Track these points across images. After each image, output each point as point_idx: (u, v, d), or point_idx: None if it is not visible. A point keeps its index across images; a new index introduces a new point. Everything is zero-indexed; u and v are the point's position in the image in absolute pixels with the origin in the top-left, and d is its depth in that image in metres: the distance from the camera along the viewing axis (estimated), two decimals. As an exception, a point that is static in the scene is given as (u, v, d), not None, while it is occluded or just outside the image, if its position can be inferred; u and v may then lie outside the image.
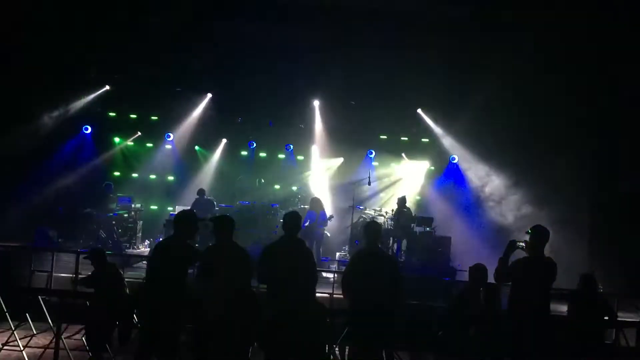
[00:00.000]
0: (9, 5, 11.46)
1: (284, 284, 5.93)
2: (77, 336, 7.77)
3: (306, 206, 13.41)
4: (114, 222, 12.91)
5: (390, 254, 6.82)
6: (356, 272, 6.27)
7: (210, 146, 15.66)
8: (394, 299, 6.22)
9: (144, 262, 9.54)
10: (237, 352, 5.97)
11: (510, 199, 13.72)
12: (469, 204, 14.55)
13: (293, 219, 6.24)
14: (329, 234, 13.35)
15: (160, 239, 11.79)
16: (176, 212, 13.21)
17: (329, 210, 14.09)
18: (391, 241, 12.52)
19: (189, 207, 13.34)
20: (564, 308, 7.70)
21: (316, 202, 12.76)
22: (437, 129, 15.04)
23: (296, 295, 5.93)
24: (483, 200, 14.29)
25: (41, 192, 13.44)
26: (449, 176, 15.12)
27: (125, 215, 13.33)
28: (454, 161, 15.07)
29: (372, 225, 6.64)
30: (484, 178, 14.37)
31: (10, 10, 11.47)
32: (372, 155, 15.47)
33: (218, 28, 12.75)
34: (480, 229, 13.94)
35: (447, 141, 14.99)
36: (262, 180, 14.19)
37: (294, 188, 14.16)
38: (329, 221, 13.04)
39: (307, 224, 12.15)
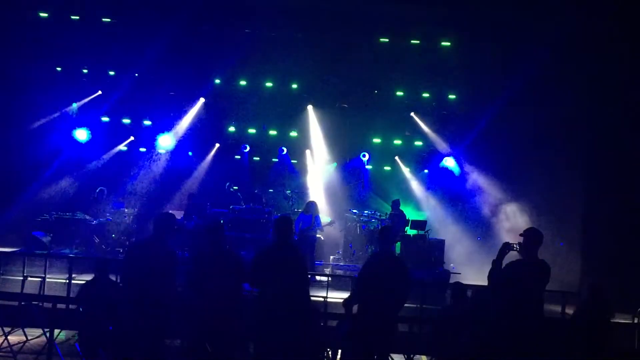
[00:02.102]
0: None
1: (274, 289, 5.90)
2: (71, 342, 7.74)
3: (298, 210, 13.40)
4: (107, 228, 12.85)
5: (403, 260, 6.79)
6: (370, 277, 6.24)
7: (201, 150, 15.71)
8: (400, 305, 6.24)
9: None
10: (227, 355, 5.97)
11: (504, 200, 13.78)
12: (462, 208, 14.57)
13: (284, 224, 6.20)
14: (322, 238, 13.34)
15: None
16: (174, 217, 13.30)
17: (328, 214, 14.08)
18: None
19: (182, 212, 13.34)
20: (557, 309, 7.77)
21: (312, 206, 12.73)
22: (431, 132, 15.08)
23: (287, 300, 5.89)
24: (476, 204, 14.34)
25: (34, 197, 13.38)
26: (442, 179, 15.13)
27: (119, 220, 13.27)
28: (447, 164, 15.07)
29: (386, 230, 6.66)
30: (477, 183, 14.41)
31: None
32: (366, 159, 15.48)
33: (212, 33, 12.76)
34: (473, 229, 14.01)
35: (441, 144, 15.02)
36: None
37: (288, 192, 14.15)
38: (331, 226, 13.01)
39: (300, 227, 12.12)
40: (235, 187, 14.12)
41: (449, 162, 14.90)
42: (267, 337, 5.89)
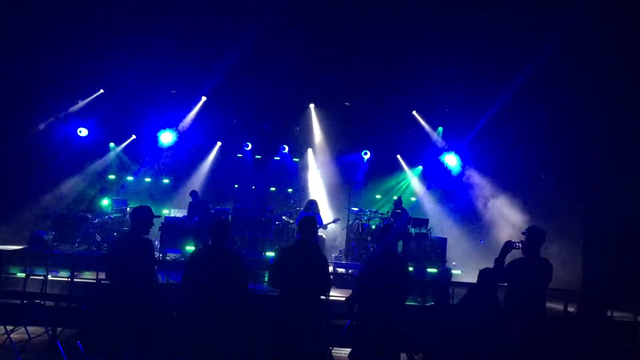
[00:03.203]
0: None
1: (295, 288, 5.92)
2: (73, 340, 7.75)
3: (300, 208, 13.42)
4: (109, 226, 12.87)
5: (404, 257, 6.78)
6: (371, 275, 6.24)
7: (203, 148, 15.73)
8: (402, 303, 6.25)
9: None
10: (229, 354, 5.98)
11: (502, 201, 13.77)
12: (463, 207, 14.57)
13: (307, 224, 6.22)
14: (324, 236, 13.36)
15: (156, 242, 11.79)
16: (171, 215, 13.35)
17: (330, 213, 14.09)
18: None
19: (184, 210, 13.37)
20: (559, 307, 7.78)
21: (313, 205, 12.78)
22: (432, 131, 15.08)
23: (307, 300, 5.92)
24: (475, 202, 14.34)
25: (36, 196, 13.41)
26: (443, 178, 15.14)
27: (120, 218, 13.30)
28: (447, 162, 15.07)
29: (388, 228, 6.65)
30: (477, 181, 14.41)
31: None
32: (367, 157, 15.51)
33: (213, 31, 12.72)
34: (476, 233, 14.01)
35: (441, 143, 15.02)
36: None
37: (290, 190, 14.15)
38: (335, 224, 13.02)
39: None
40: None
41: (450, 160, 14.89)
42: (286, 335, 5.90)
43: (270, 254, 12.18)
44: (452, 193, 14.81)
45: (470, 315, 6.58)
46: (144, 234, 6.12)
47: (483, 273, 6.85)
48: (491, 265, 6.23)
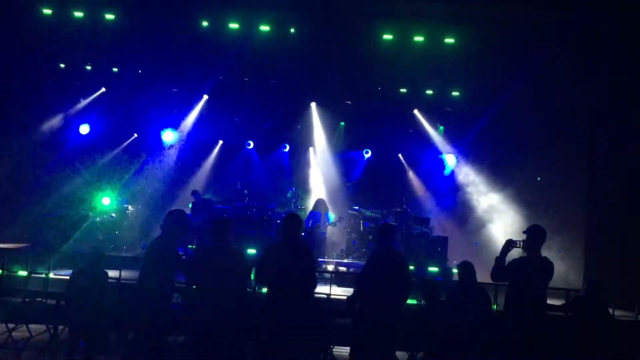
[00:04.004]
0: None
1: (281, 286, 5.91)
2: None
3: (303, 207, 13.41)
4: (111, 225, 12.90)
5: (404, 257, 6.77)
6: (370, 275, 6.24)
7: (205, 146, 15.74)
8: (401, 302, 6.25)
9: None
10: (232, 353, 5.98)
11: (502, 199, 13.76)
12: (463, 206, 14.55)
13: (291, 221, 6.20)
14: (326, 235, 13.36)
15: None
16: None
17: (331, 212, 14.12)
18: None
19: (187, 209, 13.35)
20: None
21: (321, 204, 12.79)
22: (432, 130, 15.07)
23: (293, 298, 5.90)
24: (475, 203, 14.33)
25: (39, 194, 13.43)
26: (445, 176, 15.12)
27: (122, 217, 13.33)
28: (447, 161, 15.05)
29: (387, 227, 6.64)
30: (476, 180, 14.40)
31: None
32: (368, 155, 15.49)
33: (212, 29, 12.73)
34: (475, 232, 14.02)
35: (442, 142, 15.01)
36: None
37: (289, 194, 14.13)
38: (337, 223, 13.07)
39: (310, 225, 12.24)
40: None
41: (449, 159, 14.87)
42: (271, 333, 5.90)
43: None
44: (453, 192, 14.79)
45: (460, 310, 6.59)
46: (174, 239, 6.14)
47: (461, 266, 6.88)
48: (492, 264, 6.22)
